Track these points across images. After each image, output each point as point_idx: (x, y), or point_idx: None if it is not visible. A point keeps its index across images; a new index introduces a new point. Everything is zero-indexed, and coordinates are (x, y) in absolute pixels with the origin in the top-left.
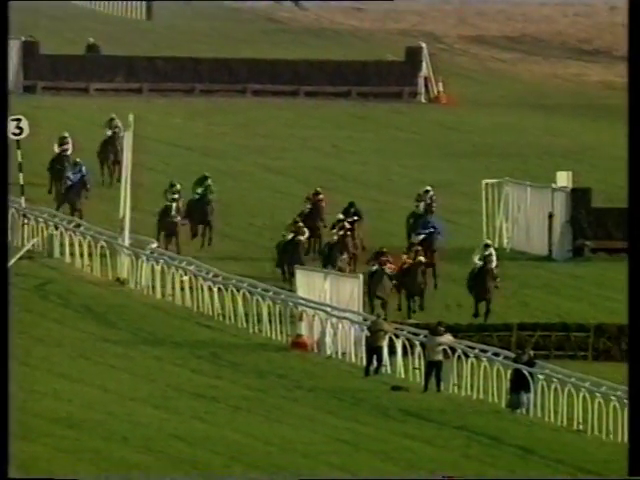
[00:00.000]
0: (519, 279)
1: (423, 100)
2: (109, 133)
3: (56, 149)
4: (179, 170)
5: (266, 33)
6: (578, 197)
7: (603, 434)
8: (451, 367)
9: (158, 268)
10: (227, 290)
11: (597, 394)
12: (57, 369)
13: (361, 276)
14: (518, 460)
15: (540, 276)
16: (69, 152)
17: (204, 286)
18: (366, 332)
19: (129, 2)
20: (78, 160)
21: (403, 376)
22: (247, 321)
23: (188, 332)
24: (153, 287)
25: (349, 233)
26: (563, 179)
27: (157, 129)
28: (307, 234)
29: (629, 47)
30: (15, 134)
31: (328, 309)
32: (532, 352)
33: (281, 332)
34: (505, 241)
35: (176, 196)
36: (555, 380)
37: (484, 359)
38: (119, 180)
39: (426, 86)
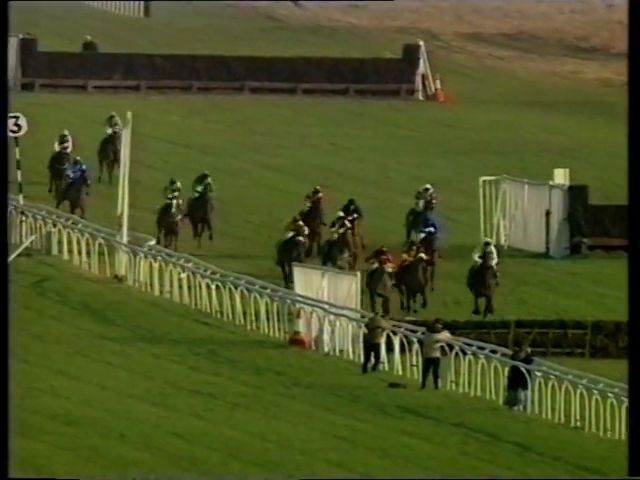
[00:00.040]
0: (516, 276)
1: (420, 97)
2: (109, 131)
3: (56, 147)
4: (177, 167)
5: (264, 31)
6: (575, 194)
7: (600, 431)
8: (449, 364)
9: (156, 265)
10: (225, 287)
11: (594, 391)
12: (55, 366)
13: (359, 273)
14: (516, 457)
15: (537, 273)
16: (69, 150)
17: (202, 283)
18: (364, 329)
19: (128, 1)
20: (78, 158)
21: (401, 373)
22: (245, 318)
23: (186, 329)
24: (151, 284)
25: (349, 231)
26: (560, 176)
27: (155, 126)
28: (307, 233)
29: (629, 45)
30: (13, 131)
31: (326, 306)
32: (529, 349)
33: (279, 329)
34: (502, 238)
35: (176, 194)
36: (552, 377)
37: (482, 356)
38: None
39: (423, 84)
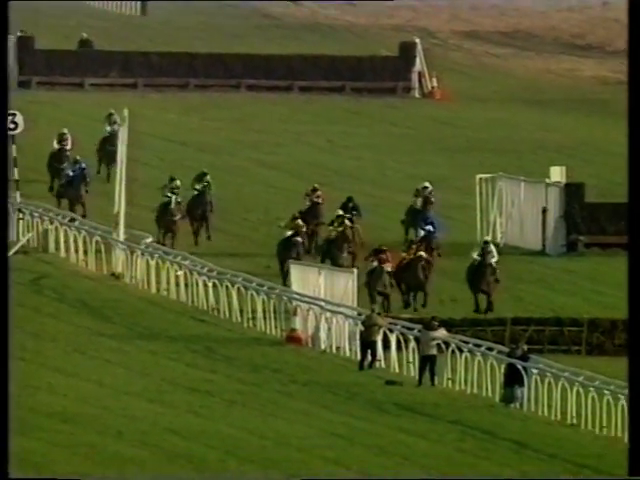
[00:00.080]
0: (513, 274)
1: (417, 95)
2: (108, 129)
3: (55, 145)
4: (174, 165)
5: (260, 28)
6: (572, 192)
7: (597, 428)
8: (445, 361)
9: (153, 263)
10: (222, 285)
11: (591, 388)
12: (52, 363)
13: (355, 271)
14: (512, 454)
15: (534, 271)
16: (68, 149)
17: (199, 281)
18: (360, 327)
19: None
20: (78, 158)
21: (397, 370)
22: (242, 316)
23: (183, 326)
24: (148, 282)
25: (349, 229)
26: (557, 174)
27: (152, 124)
28: (306, 232)
29: (629, 44)
30: (10, 129)
31: (322, 304)
32: (526, 346)
33: (276, 327)
34: (499, 236)
35: (175, 192)
36: (549, 374)
37: (478, 354)
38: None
39: (420, 81)
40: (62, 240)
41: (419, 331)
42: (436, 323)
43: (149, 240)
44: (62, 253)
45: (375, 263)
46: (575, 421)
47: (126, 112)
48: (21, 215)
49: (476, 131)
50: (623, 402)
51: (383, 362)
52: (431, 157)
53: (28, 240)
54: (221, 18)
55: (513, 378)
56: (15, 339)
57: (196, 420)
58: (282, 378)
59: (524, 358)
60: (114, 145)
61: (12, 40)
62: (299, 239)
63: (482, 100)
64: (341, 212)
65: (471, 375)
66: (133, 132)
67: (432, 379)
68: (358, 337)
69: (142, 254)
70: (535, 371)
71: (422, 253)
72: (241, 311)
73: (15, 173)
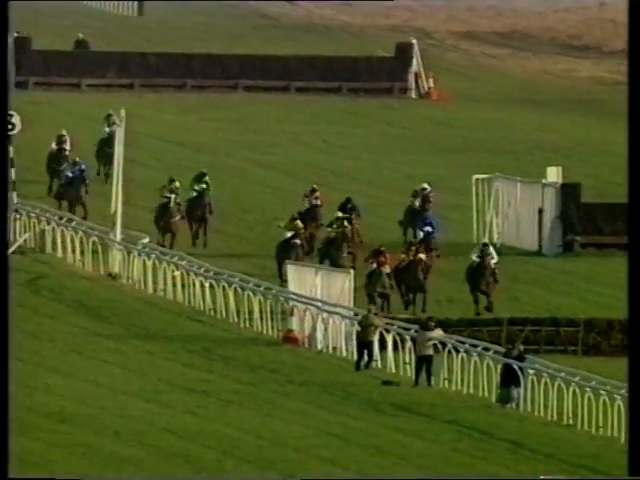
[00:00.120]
0: (509, 274)
1: (413, 96)
2: (107, 130)
3: (54, 146)
4: (171, 165)
5: (257, 29)
6: (568, 192)
7: (593, 428)
8: (441, 362)
9: (150, 263)
10: (218, 285)
11: (587, 389)
12: (49, 363)
13: (352, 271)
14: (508, 454)
15: (530, 271)
16: (67, 150)
17: (196, 281)
18: (357, 327)
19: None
20: (77, 159)
21: (394, 370)
22: (238, 316)
23: (180, 327)
24: (145, 282)
25: (348, 230)
26: (553, 174)
27: (149, 124)
28: (304, 233)
29: (629, 43)
30: (7, 130)
31: (319, 304)
32: (522, 347)
33: (272, 327)
34: (495, 236)
35: (174, 193)
36: (545, 375)
37: (474, 354)
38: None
39: (416, 82)
40: (59, 240)
41: (415, 331)
42: (432, 323)
43: (146, 240)
44: (59, 253)
45: (374, 265)
46: (571, 421)
47: (123, 112)
48: (18, 215)
49: (473, 131)
50: (619, 402)
51: (380, 362)
52: (428, 157)
53: (25, 240)
54: (218, 19)
55: (509, 378)
56: (13, 339)
57: (193, 420)
58: (279, 378)
59: (520, 358)
60: (113, 147)
61: (9, 41)
62: (298, 241)
63: (479, 100)
64: (340, 214)
65: (467, 375)
66: (130, 132)
67: (428, 379)
68: (355, 337)
69: (139, 254)
70: (531, 371)
71: (422, 256)
72: (238, 311)
73: (12, 174)
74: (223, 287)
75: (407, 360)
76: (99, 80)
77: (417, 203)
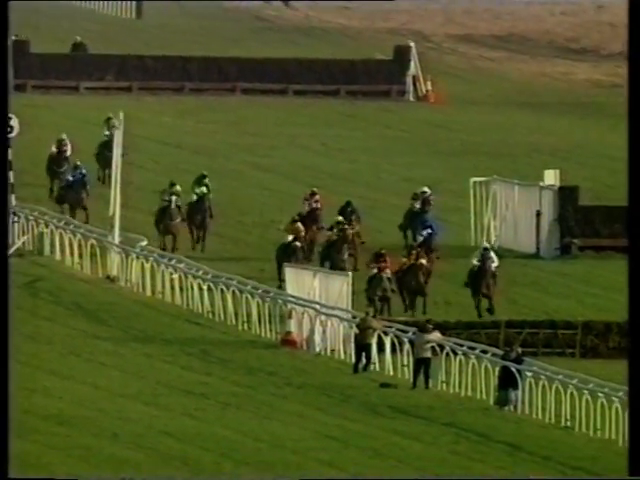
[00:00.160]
0: (507, 277)
1: (411, 99)
2: (107, 134)
3: (53, 149)
4: (169, 168)
5: (255, 32)
6: (565, 195)
7: (591, 431)
8: (439, 364)
9: (148, 266)
10: (217, 288)
11: (585, 391)
12: (48, 366)
13: (350, 274)
14: (506, 457)
15: (528, 274)
16: (68, 154)
17: (194, 284)
18: (355, 329)
19: (119, 1)
20: (78, 163)
21: (392, 373)
22: (236, 319)
23: (178, 329)
24: (143, 285)
25: (349, 232)
26: (551, 177)
27: (147, 127)
28: (305, 237)
29: (629, 45)
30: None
31: (317, 306)
32: (520, 349)
33: (270, 329)
34: (493, 239)
35: (175, 197)
36: (543, 377)
37: (472, 356)
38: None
39: (414, 85)
40: (57, 243)
41: (413, 334)
42: (430, 326)
43: (144, 243)
44: (57, 256)
45: (375, 270)
46: (569, 423)
47: (121, 115)
48: (16, 218)
49: (470, 134)
50: (617, 405)
51: (377, 365)
52: (426, 160)
53: (23, 243)
54: (216, 21)
55: (507, 381)
56: (11, 342)
57: (191, 422)
58: (277, 381)
59: (518, 361)
60: (112, 150)
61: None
62: (299, 244)
63: (476, 103)
64: (340, 218)
65: (465, 378)
66: (128, 135)
67: (426, 382)
68: (353, 340)
69: (137, 257)
70: (529, 374)
71: (423, 261)
72: (236, 314)
73: (10, 176)
74: (221, 290)
75: (405, 363)
76: (97, 83)
77: (417, 206)
